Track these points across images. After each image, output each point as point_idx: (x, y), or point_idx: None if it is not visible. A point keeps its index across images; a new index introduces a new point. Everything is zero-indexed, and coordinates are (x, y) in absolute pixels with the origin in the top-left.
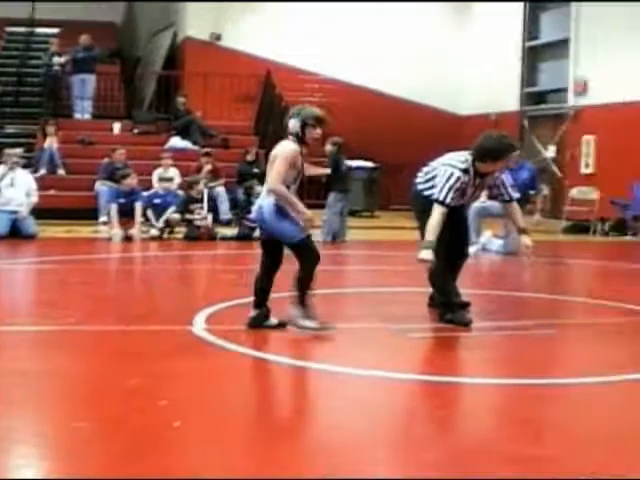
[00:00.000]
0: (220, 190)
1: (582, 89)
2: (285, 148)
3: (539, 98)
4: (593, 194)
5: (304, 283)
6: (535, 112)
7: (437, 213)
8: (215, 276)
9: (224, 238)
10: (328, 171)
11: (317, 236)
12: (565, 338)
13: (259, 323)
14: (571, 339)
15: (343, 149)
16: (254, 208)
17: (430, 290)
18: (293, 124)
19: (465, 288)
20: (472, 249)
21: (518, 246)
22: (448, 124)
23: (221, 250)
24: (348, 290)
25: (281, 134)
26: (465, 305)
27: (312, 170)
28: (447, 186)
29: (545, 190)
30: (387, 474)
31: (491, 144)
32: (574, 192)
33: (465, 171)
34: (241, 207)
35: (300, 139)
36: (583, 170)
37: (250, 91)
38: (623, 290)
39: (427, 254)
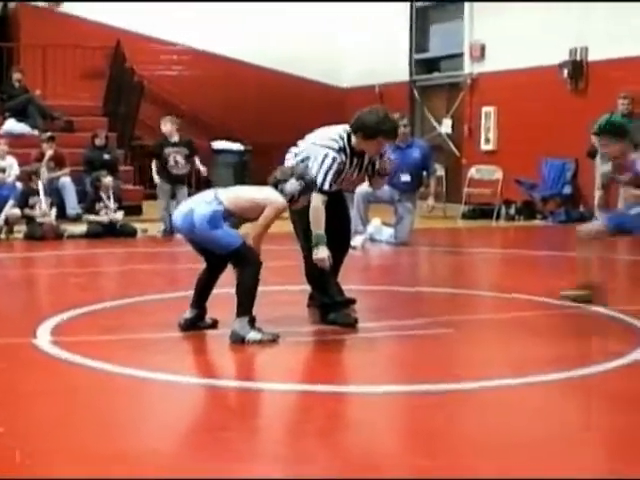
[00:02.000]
0: (65, 181)
1: (479, 54)
2: (277, 198)
3: (431, 66)
4: (495, 174)
5: (250, 291)
6: (427, 82)
7: (317, 202)
8: (62, 280)
9: (72, 236)
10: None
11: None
12: (464, 337)
13: (193, 324)
14: (471, 338)
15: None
16: (180, 212)
17: (309, 289)
18: (293, 186)
19: (351, 284)
20: (358, 239)
21: (410, 234)
22: (328, 98)
23: (68, 250)
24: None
25: (134, 114)
26: (349, 303)
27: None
28: (323, 170)
29: (440, 171)
30: None
31: (371, 119)
32: (473, 172)
33: (341, 150)
34: (90, 200)
35: (289, 201)
36: (483, 146)
37: (97, 65)
38: (530, 281)
39: (324, 251)
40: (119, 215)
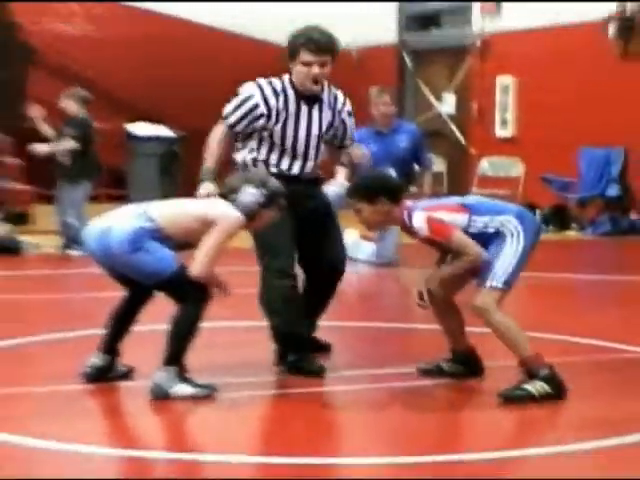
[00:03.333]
0: None
1: (493, 7)
2: (229, 215)
3: (428, 21)
4: (515, 168)
5: (184, 335)
6: (422, 44)
7: (217, 129)
8: None
9: None
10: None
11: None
12: (466, 388)
13: (103, 373)
14: (475, 388)
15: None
16: (93, 228)
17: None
18: (250, 197)
19: (322, 318)
20: None
21: (396, 251)
22: (284, 64)
23: None
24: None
25: (22, 86)
26: (318, 348)
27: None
28: (234, 100)
29: (439, 164)
30: None
31: (290, 36)
32: (485, 166)
33: (269, 84)
34: None
35: (248, 217)
36: (498, 132)
37: None
38: (562, 314)
39: (208, 187)
40: (1, 228)
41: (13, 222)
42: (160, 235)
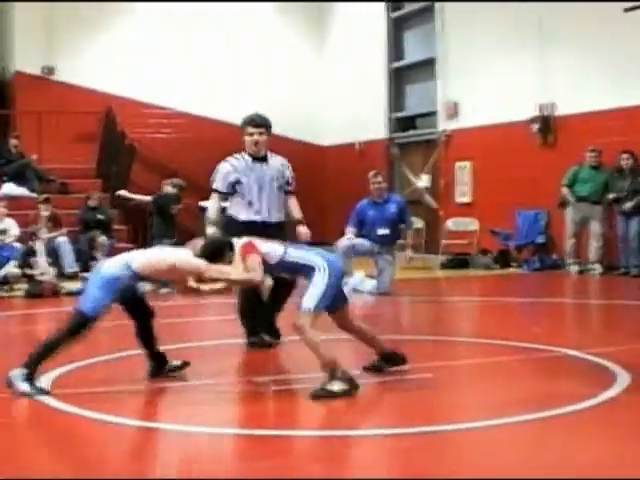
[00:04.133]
0: (62, 240)
1: (453, 112)
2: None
3: (408, 124)
4: (471, 225)
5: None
6: (404, 139)
7: (211, 200)
8: None
9: (69, 293)
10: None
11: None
12: (443, 382)
13: (156, 373)
14: (449, 382)
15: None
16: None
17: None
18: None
19: (334, 333)
20: None
21: (391, 285)
22: (309, 156)
23: (66, 307)
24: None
25: (126, 175)
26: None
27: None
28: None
29: (419, 223)
30: None
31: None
32: (450, 224)
33: (233, 157)
34: (86, 259)
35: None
36: (459, 199)
37: (90, 129)
38: (505, 326)
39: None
40: None
41: None
42: (136, 277)
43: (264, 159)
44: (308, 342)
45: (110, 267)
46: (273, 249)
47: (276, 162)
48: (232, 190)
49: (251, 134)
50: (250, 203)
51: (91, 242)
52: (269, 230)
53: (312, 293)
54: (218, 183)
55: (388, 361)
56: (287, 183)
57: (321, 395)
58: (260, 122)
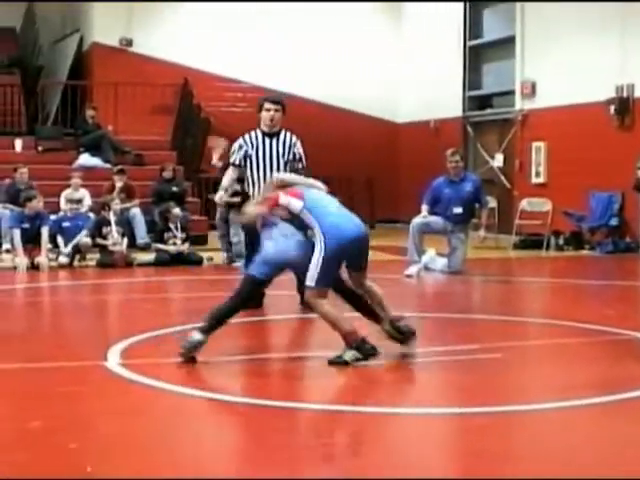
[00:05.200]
0: (135, 211)
1: (530, 91)
2: None
3: (484, 102)
4: (545, 206)
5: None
6: (480, 117)
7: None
8: (131, 306)
9: (141, 264)
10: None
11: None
12: (513, 362)
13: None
14: (519, 362)
15: None
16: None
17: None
18: None
19: (406, 311)
20: (414, 268)
21: (463, 264)
22: (385, 133)
23: (138, 277)
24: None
25: (201, 148)
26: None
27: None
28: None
29: (492, 203)
30: None
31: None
32: (524, 204)
33: (245, 135)
34: (159, 230)
35: None
36: (534, 180)
37: (166, 101)
38: (576, 308)
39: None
40: (186, 246)
41: (195, 242)
42: None
43: (276, 135)
44: (323, 316)
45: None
46: (293, 203)
47: (287, 139)
48: (244, 163)
49: (268, 109)
50: (256, 178)
51: (165, 213)
52: None
53: (311, 269)
54: (233, 156)
55: (398, 331)
56: (295, 159)
57: (335, 362)
58: (277, 99)
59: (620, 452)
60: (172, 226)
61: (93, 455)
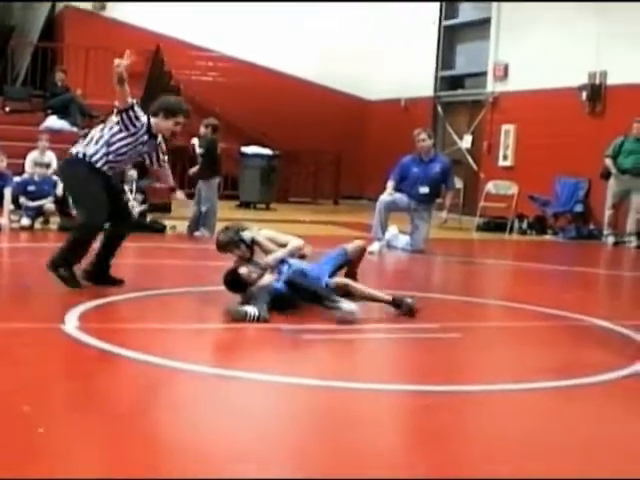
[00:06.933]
0: None
1: (502, 74)
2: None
3: (455, 83)
4: (511, 189)
5: None
6: (451, 98)
7: None
8: None
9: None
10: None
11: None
12: (471, 343)
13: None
14: (478, 343)
15: (219, 132)
16: None
17: None
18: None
19: (368, 287)
20: (376, 245)
21: (425, 243)
22: (354, 109)
23: (99, 243)
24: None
25: None
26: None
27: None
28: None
29: (458, 184)
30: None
31: (167, 101)
32: (490, 186)
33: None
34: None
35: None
36: (501, 162)
37: (137, 67)
38: (536, 292)
39: None
40: (141, 208)
41: (159, 211)
42: None
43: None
44: (360, 294)
45: None
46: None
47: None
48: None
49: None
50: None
51: (121, 177)
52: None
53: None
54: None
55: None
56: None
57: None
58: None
59: (575, 433)
60: (126, 188)
61: (46, 417)
